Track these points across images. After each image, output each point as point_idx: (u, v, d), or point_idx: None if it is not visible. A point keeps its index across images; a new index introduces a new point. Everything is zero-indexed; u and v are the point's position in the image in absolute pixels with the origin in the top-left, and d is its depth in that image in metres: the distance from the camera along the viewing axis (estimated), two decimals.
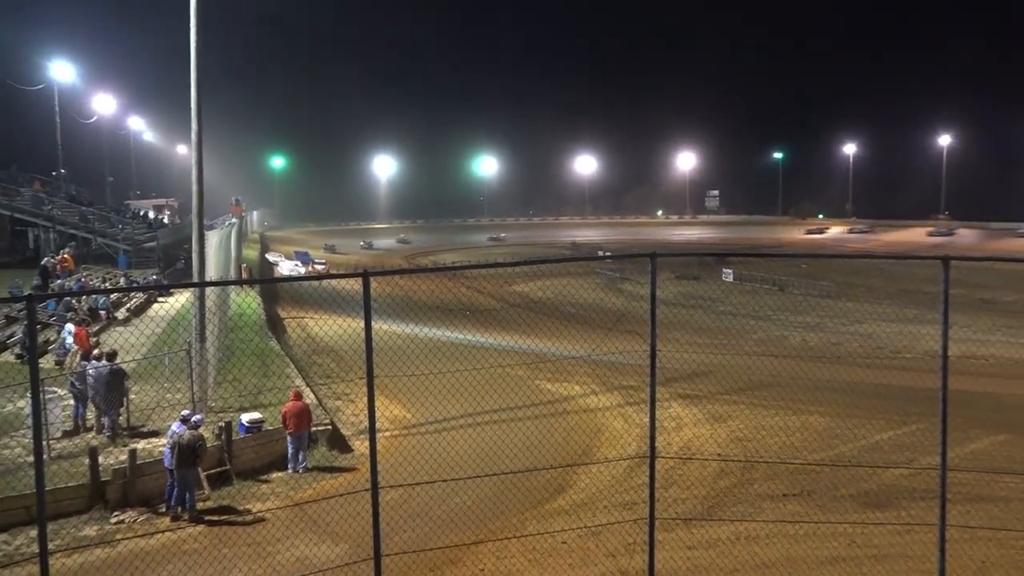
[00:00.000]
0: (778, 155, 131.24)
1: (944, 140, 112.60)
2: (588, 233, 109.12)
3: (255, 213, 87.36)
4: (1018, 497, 13.59)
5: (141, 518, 13.32)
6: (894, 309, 43.82)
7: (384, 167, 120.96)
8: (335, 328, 30.97)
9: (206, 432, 14.38)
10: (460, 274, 56.60)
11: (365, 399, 7.85)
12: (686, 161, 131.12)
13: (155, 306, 33.07)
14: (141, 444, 15.43)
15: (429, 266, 57.36)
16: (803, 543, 12.22)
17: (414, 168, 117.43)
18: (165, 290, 33.22)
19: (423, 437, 18.31)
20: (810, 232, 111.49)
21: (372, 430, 7.71)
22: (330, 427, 18.00)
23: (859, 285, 55.06)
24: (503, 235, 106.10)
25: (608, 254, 78.47)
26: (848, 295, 51.25)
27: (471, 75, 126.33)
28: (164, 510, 13.51)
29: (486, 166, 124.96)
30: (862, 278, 56.80)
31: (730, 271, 62.77)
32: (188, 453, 13.27)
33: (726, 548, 12.27)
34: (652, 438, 8.78)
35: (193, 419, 13.77)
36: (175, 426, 13.73)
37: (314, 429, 17.03)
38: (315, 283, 44.95)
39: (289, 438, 16.09)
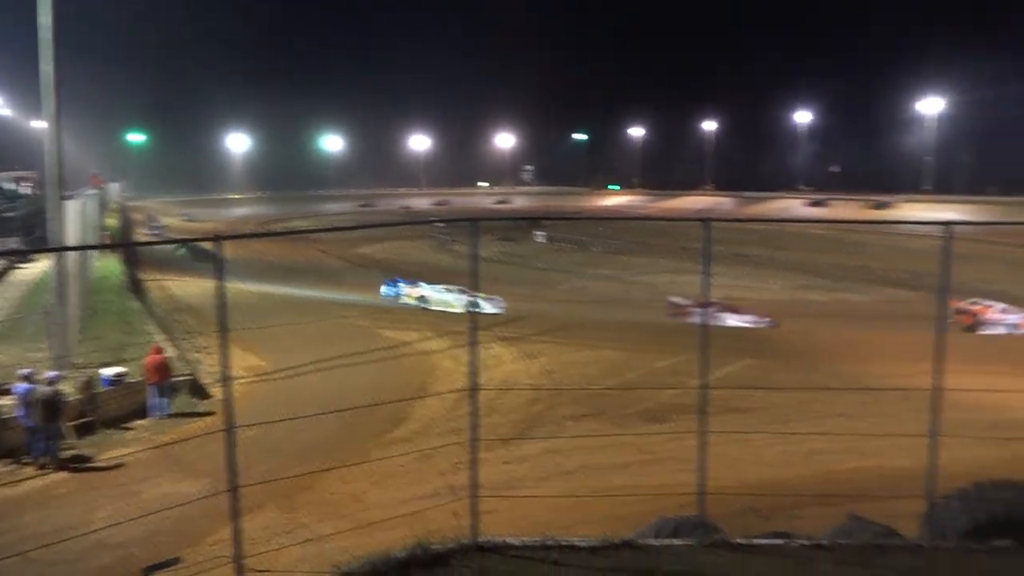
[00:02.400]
0: (583, 135, 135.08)
1: (709, 125, 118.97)
2: (422, 202, 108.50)
3: (115, 185, 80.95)
4: (759, 407, 14.84)
5: (5, 469, 12.35)
6: (673, 263, 46.22)
7: (238, 142, 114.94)
8: (194, 289, 29.53)
9: (69, 387, 13.43)
10: (309, 239, 54.99)
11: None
12: (505, 140, 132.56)
13: (16, 272, 30.29)
14: (3, 400, 14.23)
15: (280, 231, 55.13)
16: (599, 453, 12.93)
17: (267, 144, 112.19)
18: (24, 255, 30.38)
19: (278, 383, 17.85)
20: (606, 200, 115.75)
21: (224, 374, 7.46)
22: (191, 377, 17.22)
23: (646, 243, 57.62)
24: (348, 205, 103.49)
25: (438, 219, 78.29)
26: (637, 252, 53.57)
27: (318, 56, 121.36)
28: (29, 461, 12.57)
29: (331, 143, 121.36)
30: (649, 237, 59.49)
31: (542, 233, 64.11)
32: (49, 408, 12.37)
33: (537, 461, 12.79)
34: (473, 374, 8.98)
35: (49, 376, 12.82)
36: (19, 387, 12.71)
37: (175, 379, 16.27)
38: (175, 249, 42.56)
39: (150, 388, 15.31)
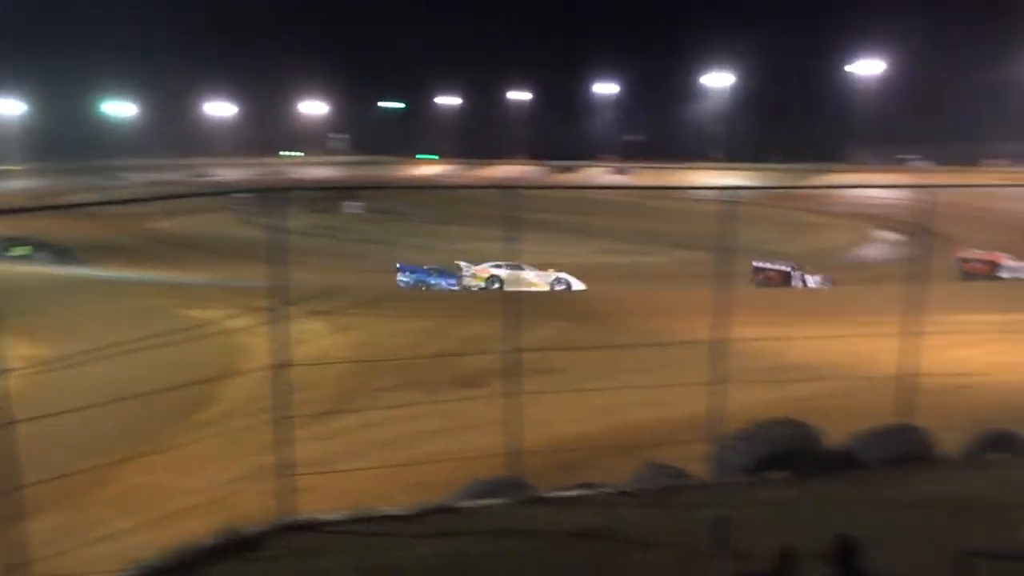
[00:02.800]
0: (398, 104, 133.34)
1: (524, 95, 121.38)
2: (225, 172, 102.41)
3: None
4: (568, 368, 15.52)
5: None
6: (487, 230, 46.93)
7: (9, 107, 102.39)
8: None
9: None
10: (95, 214, 50.35)
11: None
12: (315, 108, 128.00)
13: None
14: None
15: (55, 204, 49.60)
16: (415, 422, 13.01)
17: (45, 110, 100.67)
18: None
19: (64, 372, 16.35)
20: (422, 170, 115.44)
21: None
22: None
23: (462, 212, 58.01)
24: (133, 175, 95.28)
25: (243, 190, 74.44)
26: (454, 221, 53.87)
27: (101, 20, 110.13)
28: None
29: (119, 108, 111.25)
30: (465, 206, 59.98)
31: (357, 204, 62.85)
32: None
33: (354, 435, 12.68)
34: (280, 350, 8.72)
35: None
36: None
37: None
38: None
39: None
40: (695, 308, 10.17)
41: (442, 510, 7.50)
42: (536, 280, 29.67)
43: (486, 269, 30.65)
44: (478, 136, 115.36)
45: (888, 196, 48.47)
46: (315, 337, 19.54)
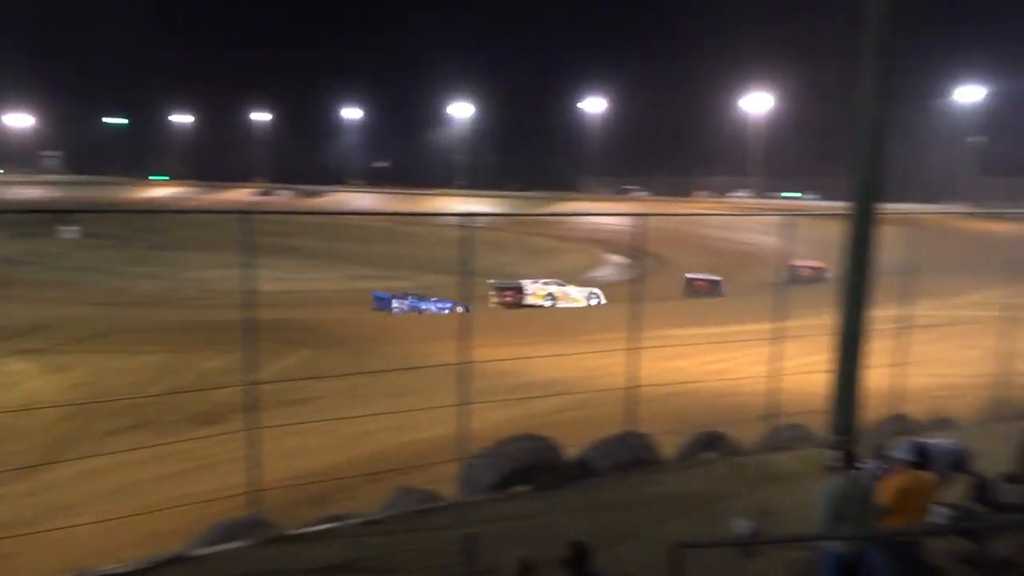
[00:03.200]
0: (121, 120, 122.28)
1: (266, 116, 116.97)
2: None
3: None
4: (315, 397, 15.11)
5: None
6: (226, 257, 44.41)
7: None
8: None
9: None
10: None
11: None
12: (22, 120, 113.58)
13: None
14: None
15: None
16: (146, 467, 11.90)
17: None
18: None
19: None
20: (150, 192, 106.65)
21: None
22: None
23: (194, 238, 54.43)
24: None
25: None
26: (186, 247, 50.38)
27: None
28: None
29: None
30: (197, 231, 56.29)
31: (73, 228, 56.53)
32: None
33: (70, 486, 11.33)
34: None
35: None
36: None
37: None
38: None
39: None
40: (445, 331, 10.40)
41: (176, 560, 6.92)
42: (577, 296, 32.25)
43: (543, 287, 32.45)
44: (216, 157, 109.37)
45: (615, 223, 52.95)
46: (23, 379, 17.24)
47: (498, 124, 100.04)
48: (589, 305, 32.42)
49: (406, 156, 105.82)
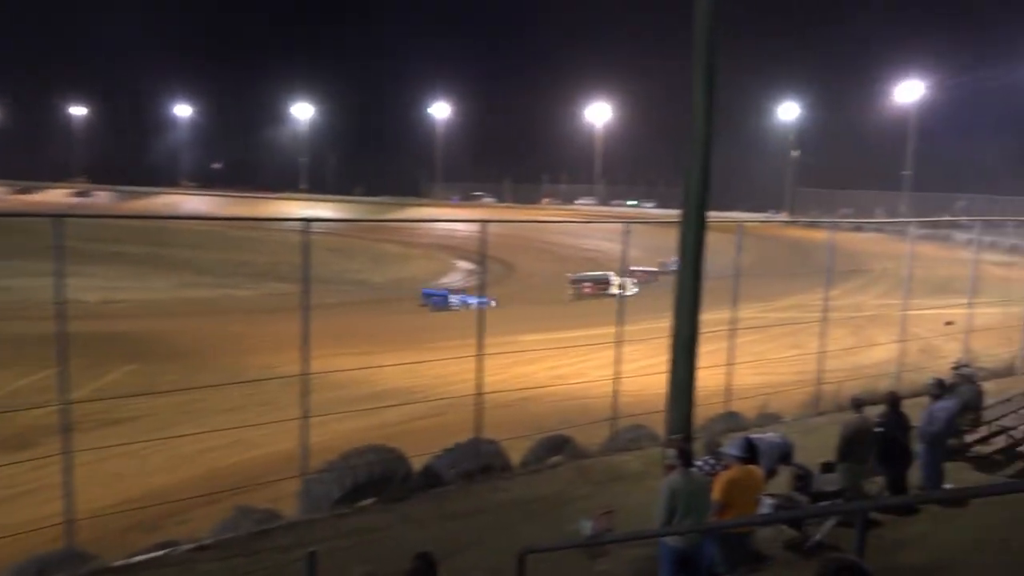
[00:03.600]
0: None
1: (78, 111, 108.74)
2: None
3: None
4: (143, 415, 14.19)
5: None
6: (40, 264, 40.84)
7: None
8: None
9: None
10: None
11: None
12: None
13: None
14: None
15: None
16: None
17: None
18: None
19: None
20: None
21: None
22: None
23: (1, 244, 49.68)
24: None
25: None
26: None
27: None
28: None
29: None
30: (5, 237, 51.44)
31: None
32: None
33: None
34: None
35: None
36: None
37: None
38: None
39: None
40: (287, 341, 10.02)
41: None
42: (632, 286, 33.47)
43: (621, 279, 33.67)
44: (27, 154, 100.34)
45: (464, 229, 53.34)
46: None
47: (343, 126, 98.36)
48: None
49: (244, 157, 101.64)
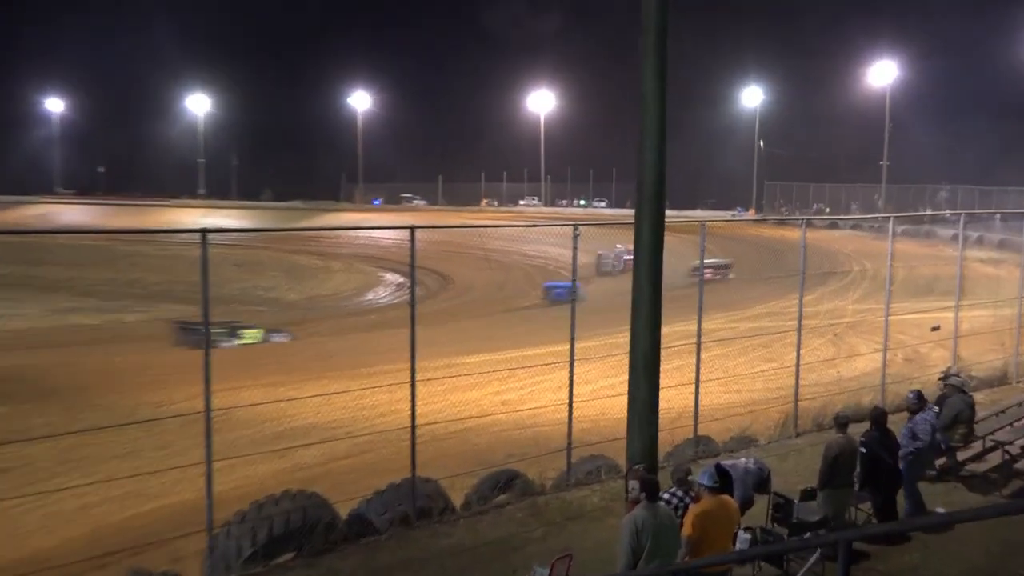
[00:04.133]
0: None
1: None
2: None
3: None
4: (16, 466, 13.68)
5: None
6: None
7: None
8: None
9: None
10: None
11: None
12: None
13: None
14: None
15: None
16: None
17: None
18: None
19: None
20: None
21: None
22: None
23: None
24: None
25: None
26: None
27: None
28: None
29: None
30: None
31: None
32: None
33: None
34: None
35: None
36: None
37: None
38: None
39: None
40: (186, 373, 9.83)
41: None
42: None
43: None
44: None
45: (390, 236, 53.08)
46: None
47: (247, 121, 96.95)
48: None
49: (131, 159, 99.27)
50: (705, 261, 14.03)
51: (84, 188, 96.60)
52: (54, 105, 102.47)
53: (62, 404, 18.50)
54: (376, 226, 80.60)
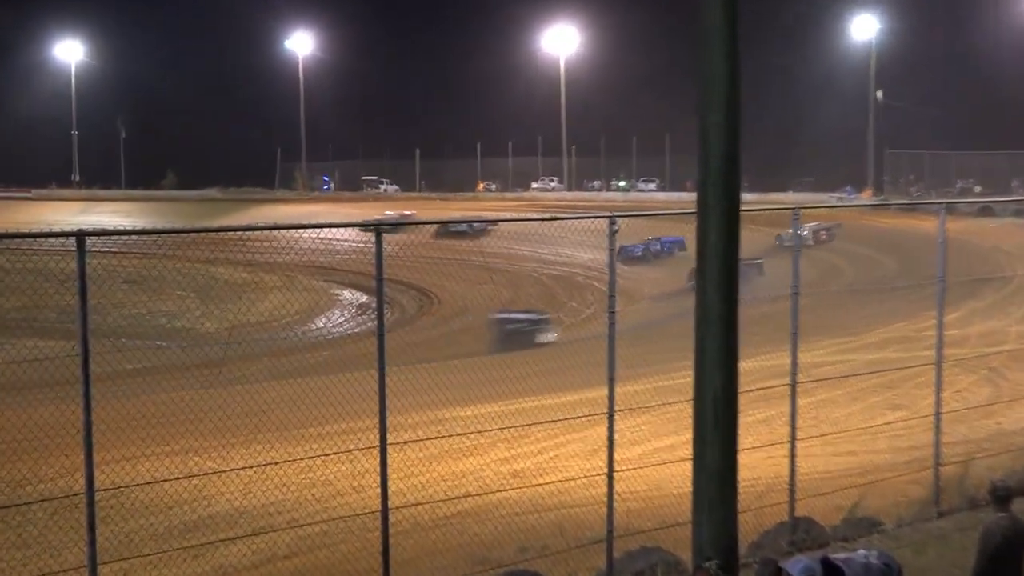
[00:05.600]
0: None
1: None
2: None
3: None
4: None
5: None
6: None
7: None
8: None
9: None
10: None
11: None
12: None
13: None
14: None
15: None
16: None
17: None
18: None
19: None
20: None
21: None
22: None
23: None
24: None
25: None
26: None
27: None
28: None
29: None
30: None
31: None
32: None
33: None
34: None
35: None
36: None
37: None
38: None
39: None
40: (58, 437, 9.88)
41: None
42: None
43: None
44: None
45: (350, 237, 53.16)
46: None
47: (140, 79, 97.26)
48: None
49: None
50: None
51: None
52: None
53: None
54: (325, 223, 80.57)
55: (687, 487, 8.95)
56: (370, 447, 10.00)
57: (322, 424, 19.48)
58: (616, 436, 11.40)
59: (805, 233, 46.72)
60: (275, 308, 48.99)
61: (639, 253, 51.96)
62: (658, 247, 53.83)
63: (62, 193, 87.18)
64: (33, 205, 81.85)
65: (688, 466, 8.95)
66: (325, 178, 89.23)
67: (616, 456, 11.38)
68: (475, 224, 56.31)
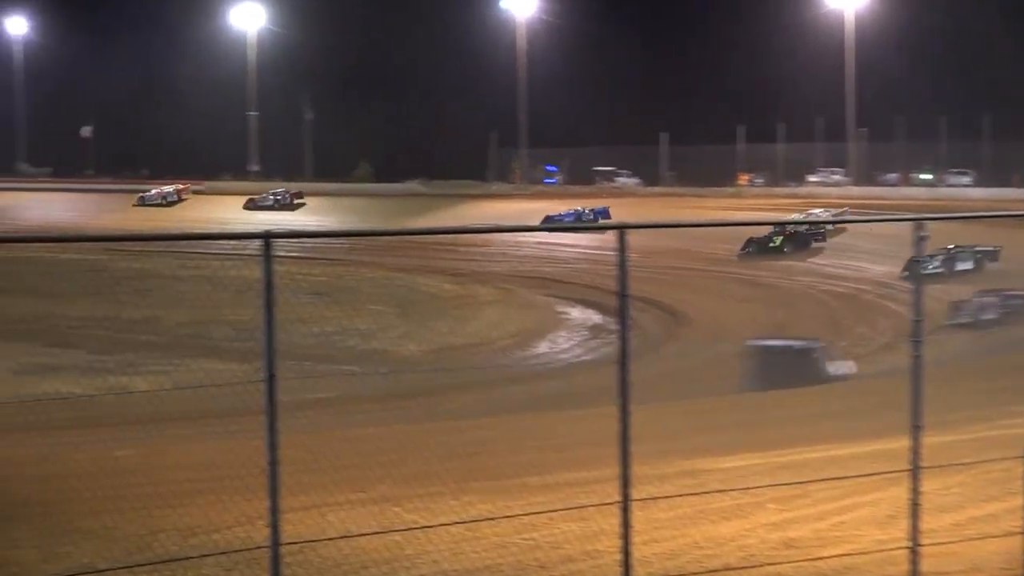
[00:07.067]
0: None
1: None
2: None
3: None
4: None
5: None
6: None
7: None
8: None
9: None
10: None
11: None
12: None
13: None
14: None
15: None
16: None
17: None
18: None
19: None
20: None
21: None
22: None
23: None
24: None
25: None
26: None
27: None
28: None
29: None
30: None
31: None
32: None
33: None
34: None
35: None
36: None
37: None
38: None
39: None
40: (246, 475, 10.21)
41: None
42: None
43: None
44: None
45: (581, 241, 53.43)
46: None
47: (332, 59, 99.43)
48: None
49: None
50: None
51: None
52: None
53: (32, 529, 19.63)
54: (552, 227, 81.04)
55: (1017, 569, 8.69)
56: (607, 503, 10.02)
57: (547, 472, 19.63)
58: (922, 500, 11.13)
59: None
60: (489, 328, 49.71)
61: (940, 268, 51.50)
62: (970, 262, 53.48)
63: (238, 186, 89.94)
64: (205, 201, 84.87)
65: (1019, 541, 8.68)
66: (550, 168, 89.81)
67: (922, 526, 11.10)
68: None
